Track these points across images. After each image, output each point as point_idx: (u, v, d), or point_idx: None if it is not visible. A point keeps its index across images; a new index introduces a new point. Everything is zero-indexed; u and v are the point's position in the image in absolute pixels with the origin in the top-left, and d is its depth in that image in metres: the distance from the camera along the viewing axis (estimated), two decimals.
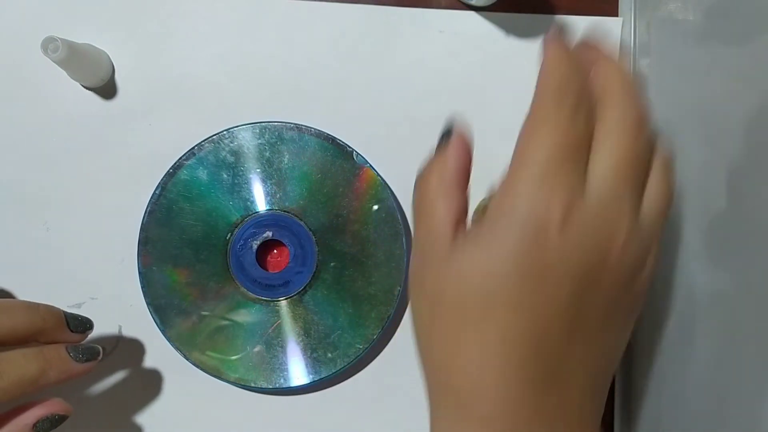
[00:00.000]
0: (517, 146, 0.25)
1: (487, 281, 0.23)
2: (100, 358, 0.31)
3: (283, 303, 0.36)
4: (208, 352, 0.35)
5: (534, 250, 0.23)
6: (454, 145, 0.27)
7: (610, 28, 0.38)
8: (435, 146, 0.27)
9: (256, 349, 0.35)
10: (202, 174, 0.35)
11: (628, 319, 0.27)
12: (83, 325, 0.31)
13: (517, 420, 0.24)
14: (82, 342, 0.31)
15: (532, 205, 0.23)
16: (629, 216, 0.24)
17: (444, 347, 0.25)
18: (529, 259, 0.23)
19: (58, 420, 0.29)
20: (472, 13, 0.38)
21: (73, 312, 0.31)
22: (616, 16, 0.38)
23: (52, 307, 0.30)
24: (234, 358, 0.35)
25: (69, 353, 0.29)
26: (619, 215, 0.24)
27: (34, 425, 0.28)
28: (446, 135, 0.27)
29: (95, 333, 0.33)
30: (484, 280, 0.23)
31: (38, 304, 0.30)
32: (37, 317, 0.29)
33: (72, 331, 0.30)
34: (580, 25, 0.38)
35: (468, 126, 0.28)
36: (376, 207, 0.36)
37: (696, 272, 0.31)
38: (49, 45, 0.32)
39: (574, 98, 0.24)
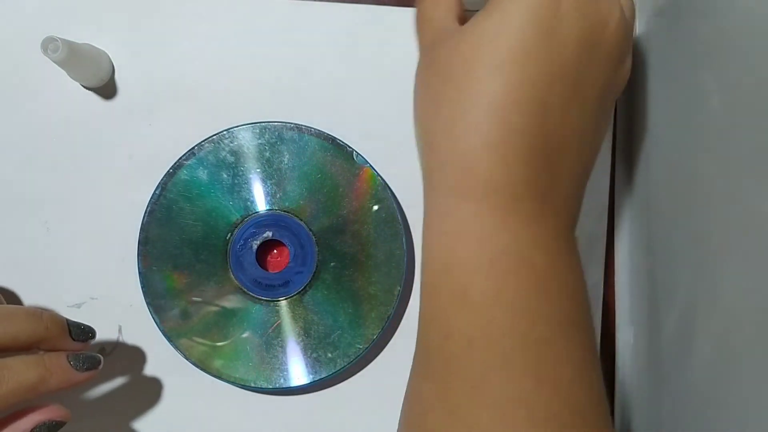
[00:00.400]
0: None
1: (500, 37, 0.25)
2: (100, 367, 0.31)
3: (283, 303, 0.36)
4: (208, 352, 0.35)
5: (547, 6, 0.25)
6: None
7: None
8: None
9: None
10: (202, 174, 0.35)
11: (611, 106, 0.30)
12: (85, 334, 0.31)
13: (512, 194, 0.25)
14: (84, 350, 0.31)
15: None
16: (619, 4, 0.28)
17: (449, 114, 0.26)
18: (543, 13, 0.25)
19: (55, 426, 0.29)
20: (472, 14, 0.37)
21: (75, 320, 0.31)
22: None
23: (56, 315, 0.30)
24: (234, 358, 0.35)
25: (70, 362, 0.29)
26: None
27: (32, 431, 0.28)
28: None
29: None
30: (496, 35, 0.25)
31: (42, 312, 0.29)
32: (40, 326, 0.29)
33: (74, 340, 0.30)
34: None
35: None
36: (376, 207, 0.36)
37: (695, 272, 0.31)
38: (49, 45, 0.32)
39: None
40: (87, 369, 0.30)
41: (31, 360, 0.28)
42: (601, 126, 0.29)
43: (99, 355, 0.31)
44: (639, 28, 0.37)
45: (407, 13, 0.37)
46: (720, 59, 0.27)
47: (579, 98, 0.26)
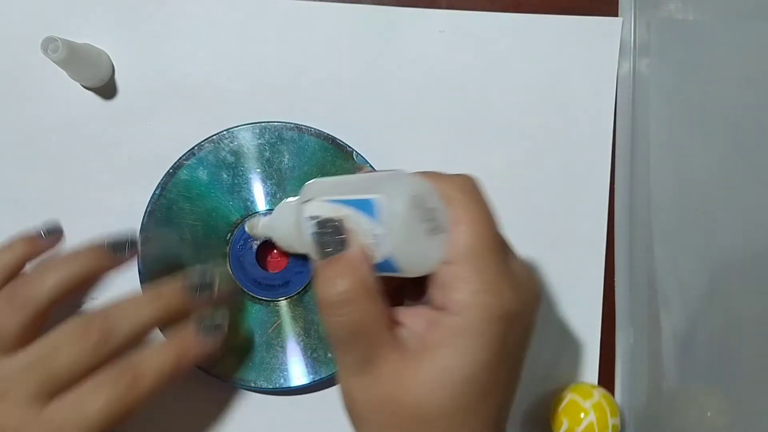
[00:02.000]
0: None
1: (469, 383, 0.23)
2: (225, 329, 0.31)
3: (283, 303, 0.35)
4: None
5: (504, 337, 0.24)
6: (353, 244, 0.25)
7: (610, 28, 0.38)
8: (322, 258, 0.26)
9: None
10: (202, 174, 0.35)
11: None
12: (207, 285, 0.31)
13: None
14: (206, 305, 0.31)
15: (499, 298, 0.24)
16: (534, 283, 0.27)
17: None
18: (502, 345, 0.24)
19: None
20: (472, 13, 0.38)
21: (190, 276, 0.31)
22: (616, 16, 0.38)
23: (172, 286, 0.30)
24: (234, 358, 0.35)
25: (199, 336, 0.30)
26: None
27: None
28: (335, 237, 0.26)
29: None
30: (464, 383, 0.23)
31: (159, 291, 0.30)
32: (162, 305, 0.30)
33: (197, 296, 0.31)
34: (580, 25, 0.38)
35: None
36: None
37: (695, 272, 0.31)
38: (49, 45, 0.32)
39: None
40: (215, 336, 0.31)
41: (162, 345, 0.29)
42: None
43: (220, 320, 0.31)
44: (641, 36, 0.37)
45: (407, 13, 0.37)
46: (709, 68, 0.27)
47: (518, 376, 0.26)
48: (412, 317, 0.25)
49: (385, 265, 0.25)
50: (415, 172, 0.26)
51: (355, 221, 0.25)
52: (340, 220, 0.25)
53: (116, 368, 0.28)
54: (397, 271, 0.25)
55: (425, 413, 0.23)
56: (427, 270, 0.25)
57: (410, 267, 0.24)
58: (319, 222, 0.26)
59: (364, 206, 0.24)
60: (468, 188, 0.25)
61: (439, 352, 0.23)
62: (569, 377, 0.37)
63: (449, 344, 0.23)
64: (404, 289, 0.28)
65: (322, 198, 0.26)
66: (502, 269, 0.24)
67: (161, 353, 0.29)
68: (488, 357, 0.23)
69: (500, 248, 0.25)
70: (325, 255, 0.25)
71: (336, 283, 0.24)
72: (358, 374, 0.25)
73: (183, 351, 0.30)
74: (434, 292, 0.25)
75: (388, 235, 0.24)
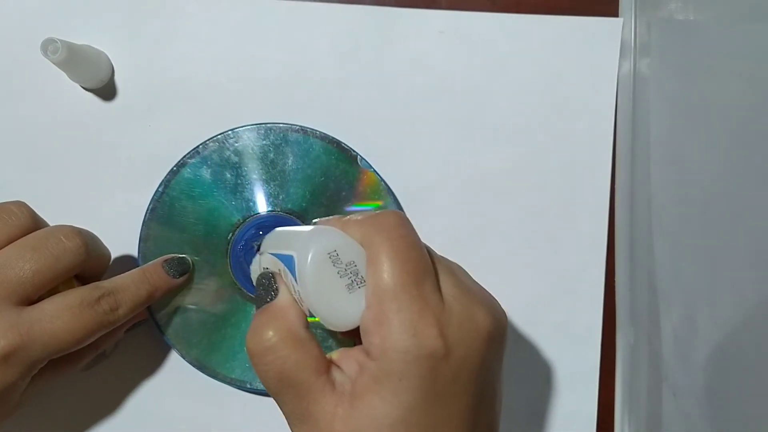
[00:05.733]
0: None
1: (398, 427, 0.23)
2: (191, 269, 0.35)
3: None
4: (206, 352, 0.35)
5: (432, 376, 0.23)
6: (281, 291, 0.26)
7: (610, 28, 0.38)
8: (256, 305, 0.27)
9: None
10: (206, 173, 0.35)
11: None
12: (181, 266, 0.34)
13: None
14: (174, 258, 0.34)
15: (417, 338, 0.23)
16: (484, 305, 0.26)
17: None
18: (430, 384, 0.23)
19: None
20: (472, 14, 0.38)
21: (168, 258, 0.34)
22: (616, 16, 0.38)
23: (154, 266, 0.33)
24: (232, 358, 0.35)
25: (168, 273, 0.33)
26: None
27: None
28: (268, 289, 0.27)
29: None
30: (392, 428, 0.23)
31: (143, 272, 0.32)
32: (149, 286, 0.32)
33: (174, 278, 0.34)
34: (580, 25, 0.38)
35: None
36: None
37: (695, 272, 0.31)
38: (48, 46, 0.32)
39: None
40: (182, 274, 0.34)
41: (137, 278, 0.32)
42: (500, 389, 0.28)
43: (187, 258, 0.35)
44: (641, 36, 0.37)
45: (408, 14, 0.37)
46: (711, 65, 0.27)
47: (469, 409, 0.25)
48: (347, 361, 0.25)
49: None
50: (339, 219, 0.26)
51: (285, 275, 0.26)
52: (274, 273, 0.27)
53: (98, 291, 0.30)
54: (325, 325, 0.25)
55: None
56: (352, 324, 0.25)
57: (332, 321, 0.25)
58: (259, 275, 0.27)
59: (288, 262, 0.25)
60: (386, 226, 0.25)
61: (365, 398, 0.23)
62: (569, 377, 0.37)
63: (373, 390, 0.23)
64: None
65: (269, 251, 0.28)
66: (420, 307, 0.23)
67: (138, 288, 0.31)
68: (414, 400, 0.23)
69: (420, 284, 0.24)
70: (259, 305, 0.26)
71: (262, 332, 0.25)
72: (298, 423, 0.25)
73: (155, 287, 0.32)
74: (362, 337, 0.25)
75: (302, 292, 0.25)
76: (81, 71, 0.35)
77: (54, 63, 0.33)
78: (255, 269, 0.30)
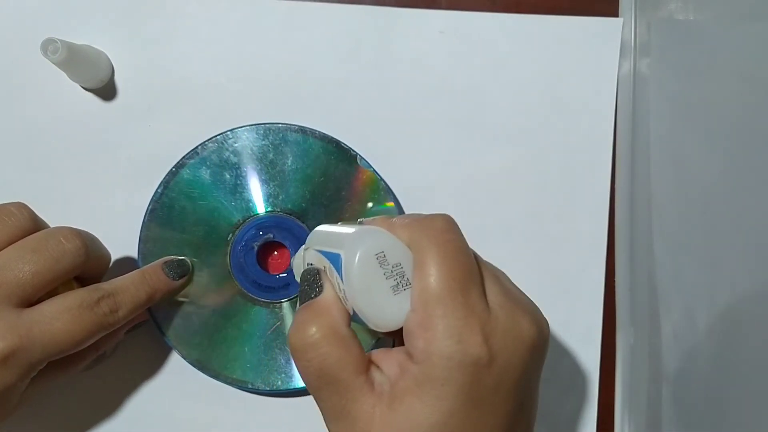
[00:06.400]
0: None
1: (439, 430, 0.23)
2: (190, 271, 0.35)
3: (283, 305, 0.35)
4: (207, 353, 0.35)
5: (474, 383, 0.23)
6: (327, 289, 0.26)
7: (611, 28, 0.38)
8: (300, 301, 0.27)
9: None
10: (205, 173, 0.35)
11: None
12: (180, 268, 0.35)
13: None
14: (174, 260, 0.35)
15: (462, 344, 0.23)
16: (534, 312, 0.26)
17: None
18: (471, 391, 0.23)
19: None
20: (472, 14, 0.38)
21: (168, 259, 0.34)
22: (616, 16, 0.38)
23: (154, 268, 0.33)
24: (233, 359, 0.35)
25: (168, 275, 0.34)
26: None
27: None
28: (313, 285, 0.27)
29: None
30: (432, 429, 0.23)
31: (143, 274, 0.33)
32: (148, 288, 0.32)
33: (174, 279, 0.34)
34: (580, 25, 0.38)
35: None
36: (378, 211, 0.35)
37: (695, 272, 0.31)
38: (48, 46, 0.32)
39: None
40: (181, 276, 0.34)
41: (137, 280, 0.32)
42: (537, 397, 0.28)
43: (187, 260, 0.35)
44: (642, 36, 0.37)
45: (407, 14, 0.37)
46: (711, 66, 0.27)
47: (508, 417, 0.25)
48: (388, 362, 0.25)
49: (357, 317, 0.25)
50: (386, 220, 0.26)
51: (331, 272, 0.26)
52: (320, 270, 0.27)
53: (98, 293, 0.30)
54: (368, 325, 0.25)
55: None
56: (396, 326, 0.25)
57: (376, 322, 0.25)
58: (304, 270, 0.27)
59: (335, 260, 0.25)
60: (434, 230, 0.25)
61: (405, 400, 0.23)
62: (569, 378, 0.37)
63: (414, 393, 0.23)
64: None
65: (315, 247, 0.28)
66: (466, 314, 0.23)
67: (138, 290, 0.32)
68: (455, 405, 0.23)
69: (467, 291, 0.24)
70: (303, 301, 0.26)
71: (305, 328, 0.25)
72: (335, 420, 0.25)
73: (154, 289, 0.32)
74: (405, 339, 0.25)
75: (348, 291, 0.25)
76: (81, 71, 0.35)
77: (54, 63, 0.33)
78: (298, 263, 0.30)
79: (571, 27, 0.38)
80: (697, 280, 0.31)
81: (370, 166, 0.36)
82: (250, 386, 0.35)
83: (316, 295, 0.26)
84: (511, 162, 0.37)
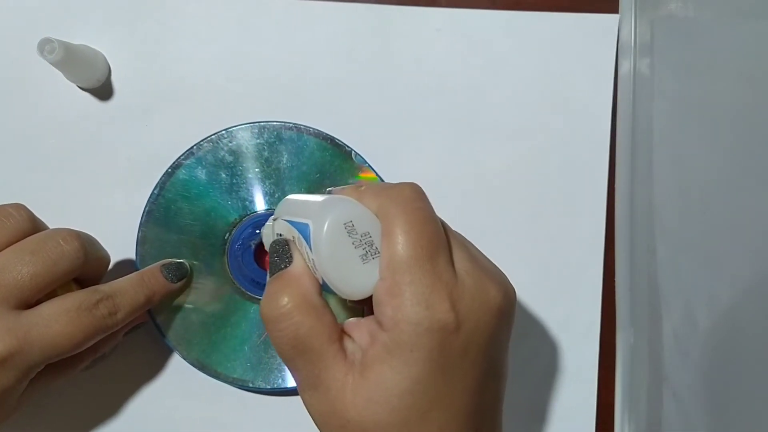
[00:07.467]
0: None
1: (406, 397, 0.23)
2: (189, 274, 0.35)
3: None
4: (207, 352, 0.35)
5: (442, 348, 0.24)
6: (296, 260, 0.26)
7: (607, 26, 0.37)
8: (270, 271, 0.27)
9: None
10: (201, 174, 0.35)
11: None
12: (179, 271, 0.34)
13: None
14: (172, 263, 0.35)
15: (429, 310, 0.23)
16: (501, 279, 0.27)
17: None
18: (440, 356, 0.24)
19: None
20: (471, 12, 0.37)
21: (166, 262, 0.34)
22: (617, 14, 0.38)
23: (152, 270, 0.33)
24: (233, 358, 0.35)
25: (166, 277, 0.33)
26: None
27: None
28: (283, 256, 0.27)
29: None
30: (401, 398, 0.23)
31: (141, 276, 0.32)
32: (147, 290, 0.32)
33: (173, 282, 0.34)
34: (576, 22, 0.37)
35: None
36: None
37: (695, 272, 0.31)
38: (45, 46, 0.32)
39: None
40: (180, 279, 0.34)
41: (136, 282, 0.32)
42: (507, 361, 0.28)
43: (185, 263, 0.35)
44: (642, 36, 0.37)
45: (407, 12, 0.37)
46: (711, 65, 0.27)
47: (476, 382, 0.25)
48: (359, 331, 0.25)
49: (327, 287, 0.25)
50: (355, 188, 0.26)
51: (300, 242, 0.26)
52: (289, 240, 0.27)
53: (97, 295, 0.30)
54: (338, 294, 0.25)
55: (368, 429, 0.24)
56: (364, 294, 0.25)
57: (345, 291, 0.25)
58: (273, 241, 0.27)
59: (303, 230, 0.25)
60: (402, 199, 0.25)
61: (375, 368, 0.24)
62: (569, 377, 0.37)
63: (384, 360, 0.24)
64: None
65: (283, 217, 0.28)
66: (433, 280, 0.24)
67: (137, 292, 0.32)
68: (424, 371, 0.23)
69: (434, 258, 0.24)
70: (273, 272, 0.26)
71: (277, 298, 0.25)
72: (309, 389, 0.25)
73: (153, 292, 0.32)
74: (374, 308, 0.25)
75: (317, 261, 0.25)
76: (78, 71, 0.35)
77: (51, 63, 0.32)
78: (267, 233, 0.30)
79: (567, 24, 0.37)
80: (697, 280, 0.30)
81: (366, 161, 0.35)
82: (250, 385, 0.35)
83: (286, 266, 0.26)
84: (511, 160, 0.37)
